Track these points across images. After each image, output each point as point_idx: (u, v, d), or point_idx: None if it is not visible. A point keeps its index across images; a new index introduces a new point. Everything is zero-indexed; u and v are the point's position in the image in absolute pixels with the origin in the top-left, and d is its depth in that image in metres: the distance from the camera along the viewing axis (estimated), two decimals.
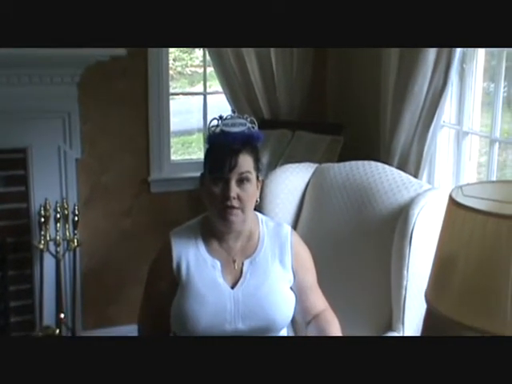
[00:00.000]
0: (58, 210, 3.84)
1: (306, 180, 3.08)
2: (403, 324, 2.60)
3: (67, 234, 3.89)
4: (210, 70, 4.30)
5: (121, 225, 4.16)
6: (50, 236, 3.85)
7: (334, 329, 2.34)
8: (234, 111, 2.35)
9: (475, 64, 3.15)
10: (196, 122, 4.81)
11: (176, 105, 4.62)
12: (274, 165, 3.69)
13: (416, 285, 2.56)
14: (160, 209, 4.20)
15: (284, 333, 2.42)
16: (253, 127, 2.27)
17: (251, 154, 2.26)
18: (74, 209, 3.88)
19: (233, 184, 2.22)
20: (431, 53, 3.02)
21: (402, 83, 3.18)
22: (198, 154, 4.88)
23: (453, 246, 1.75)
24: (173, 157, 4.38)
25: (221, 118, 2.26)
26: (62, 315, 3.90)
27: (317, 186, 3.03)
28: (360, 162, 3.00)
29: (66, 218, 3.87)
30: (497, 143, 3.00)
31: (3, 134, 3.74)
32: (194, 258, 2.32)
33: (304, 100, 4.13)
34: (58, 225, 3.85)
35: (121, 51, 3.62)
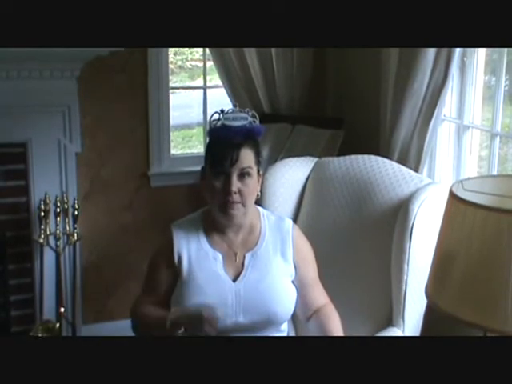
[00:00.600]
0: (58, 204, 3.84)
1: (306, 174, 3.08)
2: (403, 319, 2.59)
3: (67, 228, 3.89)
4: (210, 64, 4.29)
5: (121, 219, 4.16)
6: (50, 230, 3.85)
7: (335, 324, 2.34)
8: (235, 105, 2.34)
9: (476, 58, 3.13)
10: (196, 116, 4.80)
11: (176, 99, 4.61)
12: (274, 159, 3.68)
13: (416, 279, 2.56)
14: (160, 203, 4.20)
15: (285, 327, 2.42)
16: (254, 121, 2.27)
17: (252, 149, 2.26)
18: (74, 203, 3.88)
19: (234, 178, 2.22)
20: None
21: (403, 77, 3.17)
22: (198, 147, 4.88)
23: (453, 240, 1.75)
24: (173, 151, 4.38)
25: (222, 111, 2.26)
26: (62, 309, 3.91)
27: (317, 180, 3.02)
28: (360, 157, 3.00)
29: (65, 212, 3.87)
30: (498, 137, 2.99)
31: (3, 128, 3.74)
32: (196, 250, 2.32)
33: (304, 94, 4.12)
34: (58, 219, 3.85)
35: None
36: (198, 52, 5.23)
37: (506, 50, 2.91)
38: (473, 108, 3.19)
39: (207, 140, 2.34)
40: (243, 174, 2.23)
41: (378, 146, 3.43)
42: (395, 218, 2.66)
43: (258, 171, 2.31)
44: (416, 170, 3.15)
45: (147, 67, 4.04)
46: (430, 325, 2.13)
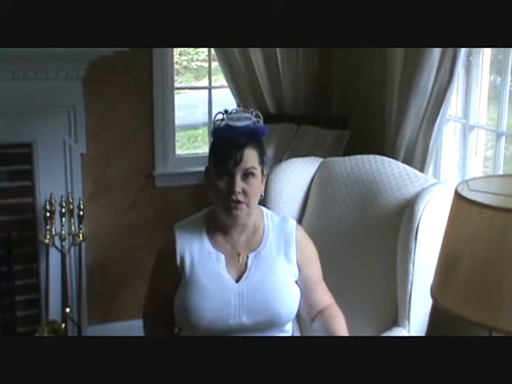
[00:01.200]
0: (64, 204, 3.85)
1: (311, 174, 3.07)
2: (409, 319, 2.59)
3: (72, 228, 3.90)
4: (216, 64, 4.29)
5: (126, 219, 4.16)
6: (55, 230, 3.86)
7: (340, 324, 2.33)
8: (239, 105, 2.34)
9: (481, 57, 3.13)
10: (201, 116, 4.81)
11: (181, 99, 4.62)
12: (279, 159, 3.68)
13: (422, 279, 2.55)
14: (165, 203, 4.20)
15: (289, 328, 2.41)
16: (258, 121, 2.27)
17: (256, 149, 2.26)
18: (79, 203, 3.89)
19: (238, 179, 2.21)
20: None
21: (408, 77, 3.16)
22: (203, 148, 4.88)
23: (458, 240, 1.74)
24: (178, 151, 4.38)
25: (226, 111, 2.26)
26: (68, 309, 3.91)
27: (322, 180, 3.02)
28: (365, 157, 2.99)
29: (71, 212, 3.88)
30: (503, 137, 2.99)
31: (8, 128, 3.75)
32: (199, 251, 2.31)
33: (309, 94, 4.12)
34: (64, 219, 3.86)
35: None
36: (203, 52, 5.24)
37: (511, 49, 2.90)
38: (478, 108, 3.18)
39: (211, 140, 2.34)
40: (247, 175, 2.23)
41: (384, 145, 3.43)
42: (400, 218, 2.65)
43: (262, 171, 2.30)
44: (421, 169, 3.14)
45: (152, 67, 4.05)
46: (435, 325, 2.13)
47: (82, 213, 3.89)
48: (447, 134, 3.37)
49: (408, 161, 3.19)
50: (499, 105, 2.99)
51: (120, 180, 4.11)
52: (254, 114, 2.26)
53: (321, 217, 2.95)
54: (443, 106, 3.08)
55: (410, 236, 2.57)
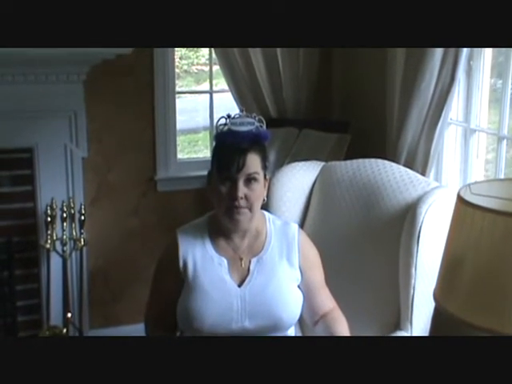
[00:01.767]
0: (65, 209, 3.84)
1: (313, 178, 3.07)
2: (411, 323, 2.59)
3: (74, 233, 3.89)
4: (216, 68, 4.29)
5: (127, 224, 4.16)
6: (56, 235, 3.85)
7: (342, 328, 2.33)
8: (242, 110, 2.34)
9: (482, 61, 3.13)
10: (202, 120, 4.81)
11: (182, 103, 4.62)
12: (280, 163, 3.68)
13: (424, 283, 2.55)
14: (167, 207, 4.20)
15: (292, 332, 2.41)
16: (261, 126, 2.27)
17: (259, 154, 2.26)
18: (81, 208, 3.88)
19: (240, 184, 2.22)
20: (438, 50, 3.00)
21: (409, 80, 3.16)
22: (204, 152, 4.88)
23: (461, 244, 1.74)
24: (179, 155, 4.38)
25: (229, 116, 2.26)
26: (69, 314, 3.91)
27: (324, 184, 3.02)
28: (367, 160, 2.99)
29: (72, 217, 3.87)
30: (504, 140, 2.98)
31: (9, 133, 3.74)
32: (201, 256, 2.31)
33: (310, 98, 4.12)
34: (65, 224, 3.85)
35: (126, 49, 3.61)
36: (203, 56, 5.24)
37: None
38: (479, 111, 3.18)
39: (214, 144, 2.34)
40: (250, 180, 2.23)
41: (385, 149, 3.43)
42: (402, 221, 2.65)
43: (265, 176, 2.30)
44: (423, 173, 3.14)
45: (153, 71, 4.05)
46: (437, 329, 2.12)
47: (83, 217, 3.88)
48: (448, 138, 3.37)
49: (409, 164, 3.19)
50: (500, 108, 2.99)
51: (121, 184, 4.11)
52: (256, 118, 2.27)
53: (323, 221, 2.95)
54: (445, 109, 3.08)
55: (412, 240, 2.57)
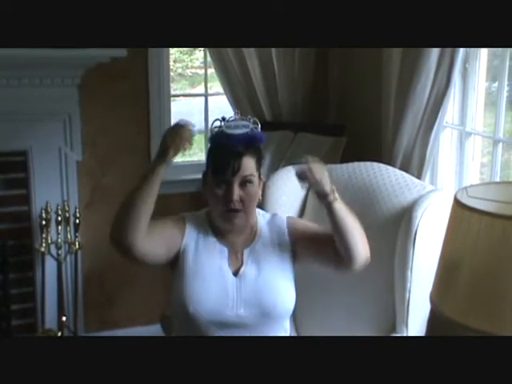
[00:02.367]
0: (59, 212, 3.83)
1: None
2: (407, 325, 2.59)
3: (68, 236, 3.88)
4: (211, 71, 4.28)
5: None
6: (51, 239, 3.84)
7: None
8: (237, 112, 2.34)
9: (478, 64, 3.13)
10: (197, 123, 4.77)
11: (177, 106, 4.60)
12: (275, 167, 3.67)
13: (420, 287, 2.55)
14: (161, 211, 4.15)
15: (287, 325, 2.42)
16: (256, 127, 2.27)
17: (254, 156, 2.27)
18: (75, 211, 3.87)
19: (236, 187, 2.23)
20: (434, 52, 3.00)
21: (405, 84, 3.16)
22: (199, 155, 4.86)
23: (458, 247, 1.74)
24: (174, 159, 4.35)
25: (224, 119, 2.26)
26: (64, 318, 3.90)
27: None
28: (362, 164, 2.99)
29: (67, 220, 3.86)
30: (500, 143, 2.99)
31: (4, 136, 3.73)
32: (203, 241, 2.34)
33: (306, 101, 4.11)
34: (60, 227, 3.84)
35: (121, 52, 3.60)
36: (197, 59, 5.23)
37: (507, 55, 2.91)
38: (475, 114, 3.18)
39: (208, 146, 2.34)
40: (245, 182, 2.25)
41: (381, 152, 3.42)
42: (398, 224, 2.65)
43: (260, 176, 2.31)
44: (418, 176, 3.14)
45: (148, 74, 4.04)
46: (433, 331, 2.11)
47: (78, 221, 3.87)
48: (444, 141, 3.37)
49: (405, 167, 3.19)
50: (496, 111, 2.99)
51: (116, 188, 4.09)
52: (251, 120, 2.27)
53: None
54: (440, 112, 3.08)
55: (408, 243, 2.57)
